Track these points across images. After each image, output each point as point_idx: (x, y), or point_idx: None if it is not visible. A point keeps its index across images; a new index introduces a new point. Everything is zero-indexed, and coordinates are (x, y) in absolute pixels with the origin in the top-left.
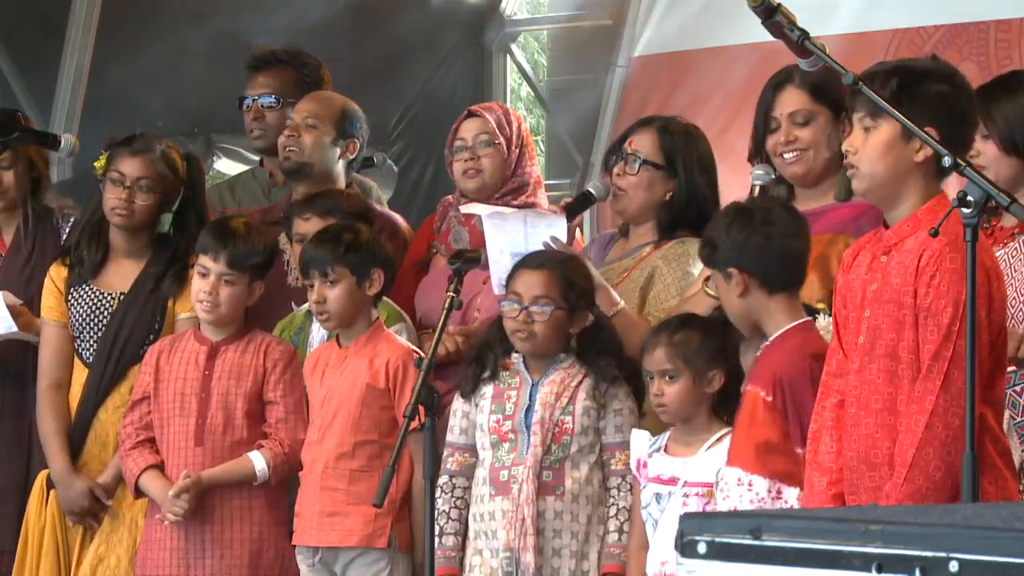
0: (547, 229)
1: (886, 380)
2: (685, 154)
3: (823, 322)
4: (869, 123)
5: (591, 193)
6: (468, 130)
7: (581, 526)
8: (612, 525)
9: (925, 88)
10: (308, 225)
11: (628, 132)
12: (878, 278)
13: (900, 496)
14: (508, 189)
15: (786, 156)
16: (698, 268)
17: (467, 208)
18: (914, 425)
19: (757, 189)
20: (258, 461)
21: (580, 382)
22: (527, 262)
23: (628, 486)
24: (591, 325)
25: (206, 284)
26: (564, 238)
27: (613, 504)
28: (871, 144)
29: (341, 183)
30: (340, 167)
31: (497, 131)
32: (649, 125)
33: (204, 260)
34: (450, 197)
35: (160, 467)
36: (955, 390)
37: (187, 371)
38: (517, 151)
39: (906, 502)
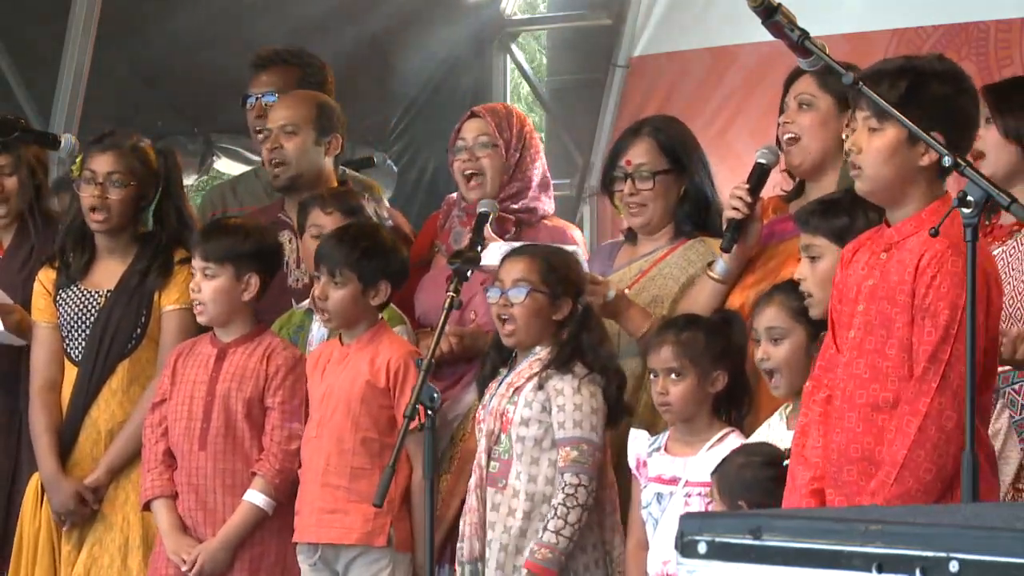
0: None
1: (872, 375)
2: (684, 147)
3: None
4: (874, 124)
5: (764, 164)
6: (469, 131)
7: (517, 521)
8: (550, 524)
9: (932, 91)
10: (328, 219)
11: (620, 148)
12: (875, 275)
13: (888, 496)
14: (507, 194)
15: (784, 139)
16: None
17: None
18: (906, 426)
19: (758, 167)
20: (257, 499)
21: (537, 373)
22: (512, 252)
23: (572, 485)
24: (577, 318)
25: (194, 283)
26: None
27: (553, 504)
28: (876, 147)
29: (333, 180)
30: (328, 164)
31: (497, 134)
32: (639, 134)
33: (193, 261)
34: (453, 195)
35: (174, 497)
36: (950, 392)
37: (197, 374)
38: (517, 154)
39: (894, 502)
